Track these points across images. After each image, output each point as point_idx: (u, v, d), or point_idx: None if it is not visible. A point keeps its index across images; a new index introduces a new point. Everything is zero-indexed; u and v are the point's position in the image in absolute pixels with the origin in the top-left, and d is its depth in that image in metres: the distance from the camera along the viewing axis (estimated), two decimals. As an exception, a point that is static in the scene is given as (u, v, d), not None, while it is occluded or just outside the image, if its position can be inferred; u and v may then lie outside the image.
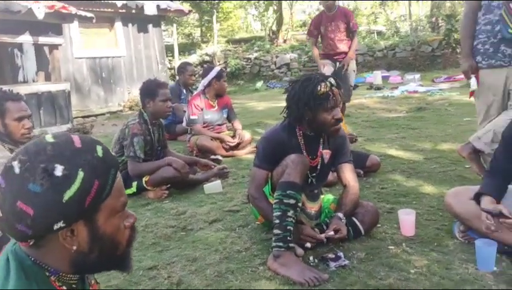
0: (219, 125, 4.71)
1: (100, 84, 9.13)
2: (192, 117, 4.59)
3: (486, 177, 2.36)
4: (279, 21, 14.14)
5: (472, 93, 3.07)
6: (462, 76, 9.28)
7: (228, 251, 2.39)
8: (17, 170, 0.85)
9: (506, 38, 2.84)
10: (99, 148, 0.92)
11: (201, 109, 4.61)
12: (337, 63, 5.32)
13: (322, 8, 5.66)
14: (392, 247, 2.33)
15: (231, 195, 3.28)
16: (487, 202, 2.16)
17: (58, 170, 0.85)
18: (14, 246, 0.94)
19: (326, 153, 2.50)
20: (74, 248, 0.90)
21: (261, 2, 14.77)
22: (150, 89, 3.39)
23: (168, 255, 2.37)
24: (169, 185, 3.38)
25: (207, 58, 12.83)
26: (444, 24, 11.64)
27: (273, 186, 2.44)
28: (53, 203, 0.84)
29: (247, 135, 4.70)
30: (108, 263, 0.99)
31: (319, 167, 2.49)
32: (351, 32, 5.39)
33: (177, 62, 12.32)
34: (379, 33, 13.16)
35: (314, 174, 2.48)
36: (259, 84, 11.63)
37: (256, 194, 2.43)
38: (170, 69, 11.98)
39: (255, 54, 12.79)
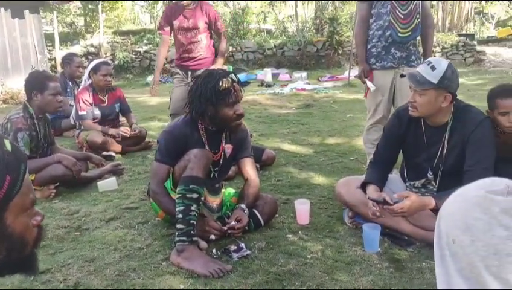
0: (111, 120, 4.49)
1: (-32, 74, 8.14)
2: (81, 113, 4.32)
3: (370, 167, 2.61)
4: (170, 14, 13.92)
5: (367, 93, 3.34)
6: (344, 75, 10.01)
7: (128, 249, 2.32)
8: None
9: (396, 42, 3.14)
10: (7, 142, 0.86)
11: (91, 104, 4.36)
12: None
13: None
14: (290, 235, 2.47)
15: (128, 192, 3.17)
16: (372, 190, 2.39)
17: None
18: None
19: (228, 148, 2.54)
20: None
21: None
22: (38, 81, 3.14)
23: (62, 257, 2.22)
24: (57, 184, 3.16)
25: (92, 49, 12.10)
26: (327, 26, 12.45)
27: (174, 181, 2.42)
28: None
29: (141, 130, 4.55)
30: (15, 265, 0.92)
31: (221, 162, 2.53)
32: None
33: (57, 53, 11.44)
34: (268, 32, 13.63)
35: (217, 168, 2.52)
36: (149, 78, 11.28)
37: (157, 189, 2.39)
38: (50, 59, 11.07)
39: (145, 47, 12.39)
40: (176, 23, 4.05)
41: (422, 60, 3.27)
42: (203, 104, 2.32)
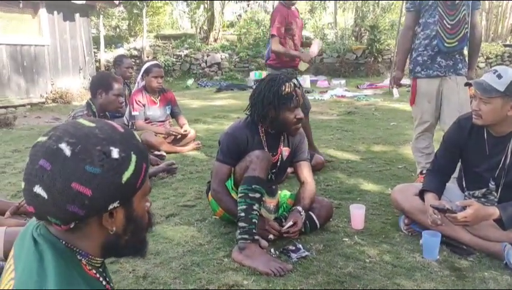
0: (161, 121, 4.63)
1: (21, 73, 8.51)
2: (134, 113, 4.48)
3: (428, 175, 2.60)
4: (211, 20, 14.15)
5: (412, 102, 3.34)
6: (383, 84, 9.93)
7: (190, 245, 2.40)
8: (68, 152, 0.84)
9: (442, 51, 3.16)
10: (135, 134, 0.96)
11: (143, 105, 4.51)
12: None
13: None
14: (346, 239, 2.50)
15: (183, 190, 3.27)
16: (431, 198, 2.39)
17: (115, 153, 0.87)
18: (38, 229, 0.91)
19: (285, 151, 2.61)
20: (114, 229, 0.91)
21: (192, -1, 14.70)
22: (105, 81, 3.31)
23: (129, 250, 2.32)
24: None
25: (135, 52, 12.47)
26: (367, 34, 12.39)
27: (235, 181, 2.50)
28: (112, 184, 0.86)
29: (191, 131, 4.68)
30: (133, 247, 1.00)
31: (278, 164, 2.59)
32: None
33: (102, 55, 11.83)
34: (307, 38, 13.66)
35: (274, 170, 2.58)
36: (189, 81, 11.54)
37: (219, 188, 2.47)
38: (95, 61, 11.46)
39: (186, 52, 12.67)
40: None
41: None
42: (266, 107, 2.39)
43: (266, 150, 2.50)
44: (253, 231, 2.24)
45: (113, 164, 0.86)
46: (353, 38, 12.85)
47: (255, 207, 2.26)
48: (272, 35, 3.90)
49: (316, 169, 3.74)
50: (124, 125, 0.96)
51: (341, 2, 13.49)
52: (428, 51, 3.22)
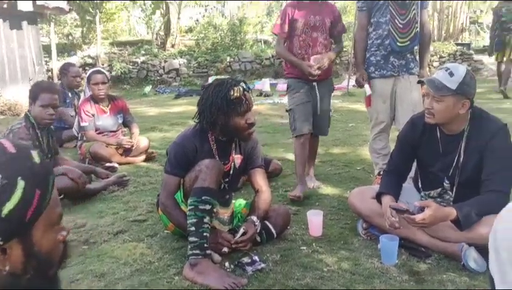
0: (113, 131, 4.43)
1: (-35, 85, 8.04)
2: (82, 124, 4.26)
3: (384, 176, 2.56)
4: (167, 25, 13.89)
5: (369, 103, 3.30)
6: (342, 85, 10.01)
7: (139, 263, 2.25)
8: None
9: (395, 51, 3.14)
10: (34, 154, 0.82)
11: (92, 115, 4.30)
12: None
13: None
14: (304, 247, 2.41)
15: (134, 204, 3.10)
16: (388, 200, 2.34)
17: None
18: None
19: (238, 158, 2.49)
20: (7, 269, 0.76)
21: (148, 4, 14.37)
22: (33, 91, 3.08)
23: (71, 272, 2.14)
24: (62, 196, 3.08)
25: (90, 60, 12.06)
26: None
27: (185, 192, 2.36)
28: None
29: (144, 141, 4.48)
30: (41, 286, 0.86)
31: (231, 172, 2.47)
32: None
33: (55, 64, 11.37)
34: (266, 42, 13.66)
35: (227, 179, 2.46)
36: (147, 88, 11.25)
37: (167, 201, 2.34)
38: (47, 71, 11.00)
39: (142, 58, 12.36)
40: None
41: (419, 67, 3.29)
42: (214, 113, 2.28)
43: (217, 158, 2.38)
44: (205, 245, 2.11)
45: None
46: (311, 40, 12.92)
47: (205, 220, 2.14)
48: (275, 33, 3.44)
49: (273, 175, 3.66)
50: (19, 145, 0.81)
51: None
52: (381, 51, 3.20)
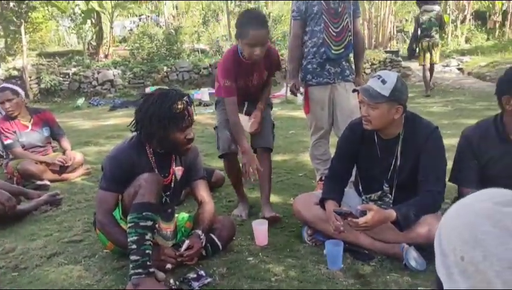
0: (42, 146, 4.15)
1: None
2: (6, 142, 3.95)
3: (326, 182, 2.59)
4: (99, 35, 13.43)
5: (307, 110, 3.34)
6: (280, 93, 10.13)
7: (76, 287, 2.11)
8: None
9: (330, 59, 3.21)
10: None
11: (14, 132, 4.01)
12: None
13: None
14: (251, 258, 2.37)
15: (69, 224, 2.92)
16: (331, 205, 2.37)
17: None
18: None
19: (178, 170, 2.42)
20: None
21: (77, 14, 13.82)
22: None
23: (-1, 304, 1.97)
24: (-13, 220, 2.83)
25: (15, 72, 11.36)
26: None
27: (124, 209, 2.25)
28: None
29: (78, 156, 4.26)
30: None
31: (172, 185, 2.39)
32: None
33: (-24, 77, 10.62)
34: (203, 51, 13.57)
35: (168, 193, 2.37)
36: (80, 101, 10.76)
37: (105, 219, 2.21)
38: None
39: (74, 69, 11.81)
40: None
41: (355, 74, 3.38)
42: (154, 126, 2.17)
43: (156, 171, 2.28)
44: (147, 263, 2.01)
45: None
46: (248, 49, 13.01)
47: (147, 237, 2.04)
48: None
49: (216, 185, 3.60)
50: None
51: (233, 14, 13.63)
52: (317, 59, 3.25)
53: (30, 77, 11.08)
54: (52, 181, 3.89)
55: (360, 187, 2.60)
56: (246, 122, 3.01)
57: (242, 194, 3.19)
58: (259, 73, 3.01)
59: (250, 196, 3.40)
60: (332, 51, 3.20)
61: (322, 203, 2.45)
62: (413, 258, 2.17)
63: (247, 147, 2.90)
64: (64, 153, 4.18)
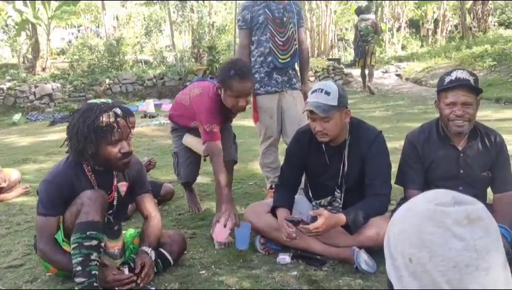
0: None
1: None
2: None
3: (276, 190, 2.60)
4: (36, 48, 12.86)
5: (256, 119, 3.35)
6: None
7: (17, 317, 1.96)
8: None
9: (277, 68, 3.24)
10: None
11: None
12: None
13: None
14: (203, 271, 2.32)
15: (7, 247, 2.73)
16: (283, 213, 2.37)
17: None
18: None
19: (122, 186, 2.32)
20: None
21: (11, 26, 13.19)
22: None
23: None
24: None
25: None
26: (205, 55, 12.58)
27: (66, 229, 2.13)
28: None
29: (14, 174, 4.02)
30: None
31: (115, 202, 2.29)
32: None
33: None
34: (146, 62, 13.34)
35: (111, 211, 2.26)
36: (17, 116, 10.23)
37: (46, 247, 2.07)
38: None
39: (8, 84, 11.24)
40: None
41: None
42: (82, 142, 2.05)
43: (97, 189, 2.18)
44: (94, 284, 1.92)
45: None
46: (193, 59, 12.93)
47: (92, 257, 1.94)
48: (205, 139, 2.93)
49: (166, 199, 3.52)
50: None
51: (176, 24, 13.51)
52: (264, 68, 3.27)
53: (-41, 93, 10.41)
54: (-14, 203, 3.64)
55: (310, 193, 2.63)
56: (200, 145, 2.96)
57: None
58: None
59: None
60: (280, 60, 3.24)
61: (273, 211, 2.45)
62: (363, 261, 2.21)
63: (229, 198, 2.77)
64: None
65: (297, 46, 3.33)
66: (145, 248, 2.23)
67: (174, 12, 13.32)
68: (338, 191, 2.47)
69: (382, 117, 7.27)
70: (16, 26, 12.88)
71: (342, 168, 2.43)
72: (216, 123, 2.85)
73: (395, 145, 4.05)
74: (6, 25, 13.16)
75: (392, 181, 2.46)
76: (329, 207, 2.49)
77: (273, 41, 3.21)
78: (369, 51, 9.63)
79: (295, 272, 2.26)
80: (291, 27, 3.26)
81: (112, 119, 2.05)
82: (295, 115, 3.27)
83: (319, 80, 11.29)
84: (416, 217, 0.84)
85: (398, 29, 18.06)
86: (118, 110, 2.10)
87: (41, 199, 2.11)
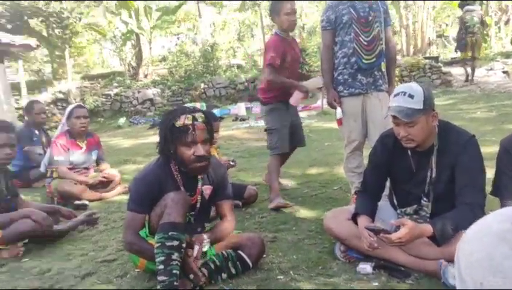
0: (86, 168, 4.30)
1: None
2: (57, 158, 4.08)
3: (359, 197, 2.50)
4: (139, 56, 13.86)
5: (340, 122, 3.27)
6: (316, 104, 10.05)
7: (107, 308, 2.11)
8: None
9: (361, 68, 3.13)
10: None
11: (68, 150, 4.16)
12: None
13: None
14: (281, 276, 2.31)
15: (104, 243, 2.96)
16: (364, 221, 2.28)
17: None
18: None
19: (206, 189, 2.40)
20: None
21: (118, 36, 14.36)
22: None
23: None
24: (26, 241, 2.92)
25: (61, 96, 11.90)
26: (296, 58, 12.60)
27: (151, 229, 2.26)
28: None
29: (116, 175, 4.37)
30: None
31: (198, 205, 2.37)
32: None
33: (24, 101, 11.17)
34: (239, 67, 13.71)
35: (193, 212, 2.35)
36: (121, 120, 11.12)
37: (133, 239, 2.22)
38: (18, 109, 10.78)
39: (115, 90, 12.26)
40: None
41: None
42: (162, 142, 2.22)
43: (183, 190, 2.28)
44: (174, 283, 2.00)
45: None
46: (283, 62, 13.03)
47: (174, 257, 2.03)
48: (267, 65, 3.57)
49: (249, 202, 3.58)
50: None
51: (267, 28, 13.70)
52: (348, 69, 3.18)
53: (75, 99, 11.54)
54: (90, 201, 3.99)
55: (395, 201, 2.50)
56: (312, 84, 3.73)
57: (277, 189, 3.59)
58: (297, 49, 3.80)
59: (283, 211, 3.35)
60: (364, 61, 3.13)
61: (354, 218, 2.37)
62: (452, 276, 2.04)
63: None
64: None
65: (383, 45, 3.19)
66: (205, 235, 2.30)
67: (265, 16, 13.53)
68: (425, 199, 2.31)
69: (484, 118, 6.69)
70: (122, 37, 13.98)
71: (430, 175, 2.27)
72: (279, 53, 3.52)
73: (496, 149, 3.69)
74: (114, 36, 14.35)
75: (488, 190, 2.25)
76: (415, 216, 2.34)
77: (357, 42, 3.11)
78: (474, 43, 9.62)
79: (376, 283, 2.15)
80: (377, 26, 3.14)
81: (188, 122, 2.14)
82: (380, 118, 3.11)
83: (415, 81, 10.74)
84: (489, 237, 0.75)
85: (507, 23, 16.52)
86: (199, 115, 2.19)
87: (132, 196, 2.28)
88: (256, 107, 10.88)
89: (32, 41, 10.12)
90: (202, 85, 12.23)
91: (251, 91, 12.16)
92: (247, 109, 10.73)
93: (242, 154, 5.77)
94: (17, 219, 2.83)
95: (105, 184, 4.26)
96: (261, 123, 8.54)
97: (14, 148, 2.97)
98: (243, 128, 8.12)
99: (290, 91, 3.64)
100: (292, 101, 3.65)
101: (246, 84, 12.28)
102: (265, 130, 3.87)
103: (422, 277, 2.17)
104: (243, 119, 9.36)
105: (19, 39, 9.68)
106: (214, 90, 12.35)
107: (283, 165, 4.41)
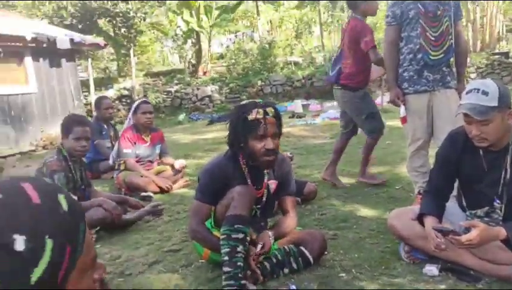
0: (150, 161, 4.49)
1: (9, 123, 8.40)
2: (125, 151, 4.32)
3: (425, 197, 2.43)
4: (198, 53, 14.19)
5: (404, 120, 3.19)
6: (377, 102, 9.83)
7: (174, 295, 2.20)
8: None
9: (428, 65, 3.03)
10: (62, 199, 0.72)
11: (134, 143, 4.38)
12: None
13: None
14: (343, 274, 2.30)
15: (169, 234, 3.08)
16: (431, 221, 2.21)
17: (19, 243, 0.64)
18: None
19: (272, 183, 2.43)
20: None
21: (180, 34, 14.78)
22: (65, 125, 3.12)
23: (106, 308, 2.12)
24: (98, 228, 3.10)
25: (125, 92, 12.45)
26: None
27: (216, 220, 2.32)
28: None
29: (179, 163, 4.57)
30: None
31: (264, 199, 2.41)
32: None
33: (93, 97, 11.78)
34: (296, 64, 13.68)
35: (259, 206, 2.40)
36: (181, 116, 11.46)
37: (198, 227, 2.30)
38: (86, 104, 11.39)
39: (176, 87, 12.66)
40: None
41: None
42: (233, 134, 2.26)
43: (250, 183, 2.33)
44: (239, 275, 2.05)
45: (13, 260, 0.63)
46: (342, 59, 12.84)
47: (238, 249, 2.08)
48: (373, 47, 3.68)
49: (309, 198, 3.57)
50: (45, 190, 0.71)
51: (326, 25, 13.56)
52: (413, 66, 3.09)
53: (138, 96, 12.01)
54: (155, 193, 4.15)
55: (464, 202, 2.40)
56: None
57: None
58: None
59: (343, 209, 3.32)
60: (431, 57, 3.03)
61: (420, 219, 2.30)
62: (527, 282, 1.95)
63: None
64: (172, 167, 4.51)
65: (452, 40, 3.06)
66: (269, 232, 2.32)
67: (324, 13, 13.39)
68: (498, 201, 2.20)
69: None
70: (183, 35, 14.37)
71: (504, 176, 2.16)
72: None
73: None
74: (176, 34, 14.78)
75: None
76: (485, 219, 2.24)
77: (424, 37, 3.01)
78: None
79: (443, 286, 2.09)
80: (446, 21, 3.02)
81: (260, 116, 2.18)
82: (448, 116, 3.00)
83: (482, 77, 10.23)
84: None
85: None
86: (269, 109, 2.23)
87: (200, 185, 2.36)
88: (314, 105, 10.82)
89: (101, 41, 10.65)
90: (259, 82, 12.33)
91: (308, 88, 12.10)
92: (304, 106, 10.69)
93: (300, 152, 5.77)
94: (90, 208, 3.01)
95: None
96: (318, 120, 8.50)
97: (89, 141, 3.15)
98: (300, 125, 8.11)
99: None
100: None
101: (303, 81, 12.23)
102: (366, 116, 3.92)
103: (493, 281, 2.08)
104: (299, 117, 9.35)
105: (89, 38, 10.21)
106: (270, 88, 12.41)
107: (342, 163, 4.38)
